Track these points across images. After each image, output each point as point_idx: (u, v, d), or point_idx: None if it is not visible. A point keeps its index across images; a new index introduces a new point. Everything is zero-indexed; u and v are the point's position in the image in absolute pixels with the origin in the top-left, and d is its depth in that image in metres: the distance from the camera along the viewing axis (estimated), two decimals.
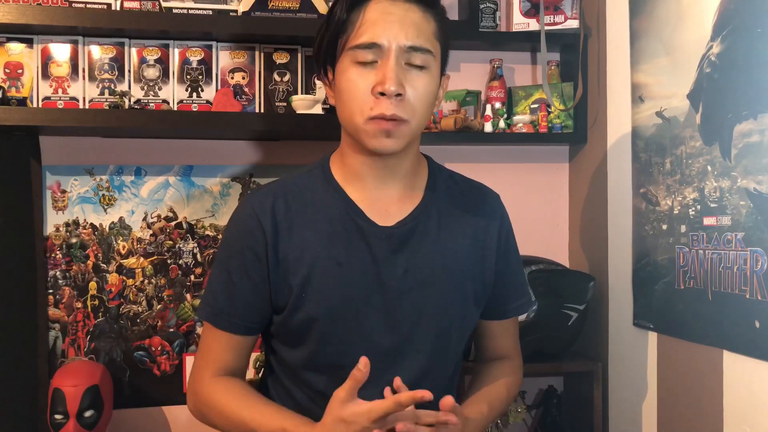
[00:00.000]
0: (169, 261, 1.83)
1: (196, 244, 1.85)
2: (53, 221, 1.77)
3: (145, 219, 1.82)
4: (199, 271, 1.85)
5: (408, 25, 1.04)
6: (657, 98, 1.55)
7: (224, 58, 1.80)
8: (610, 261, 1.77)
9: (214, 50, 1.79)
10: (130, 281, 1.81)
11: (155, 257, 1.83)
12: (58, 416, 1.54)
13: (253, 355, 1.84)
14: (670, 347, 1.52)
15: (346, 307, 1.09)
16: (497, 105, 1.89)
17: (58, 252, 1.77)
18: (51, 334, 1.77)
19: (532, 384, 1.97)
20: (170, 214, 1.84)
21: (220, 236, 1.85)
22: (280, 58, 1.83)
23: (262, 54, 1.81)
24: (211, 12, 1.71)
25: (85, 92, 1.73)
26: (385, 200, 1.13)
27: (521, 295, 1.27)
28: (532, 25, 1.86)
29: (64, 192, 1.78)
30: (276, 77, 1.82)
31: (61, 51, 1.71)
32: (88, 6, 1.65)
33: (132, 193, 1.82)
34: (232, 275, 1.12)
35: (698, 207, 1.41)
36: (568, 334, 1.74)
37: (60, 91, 1.71)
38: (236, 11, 1.72)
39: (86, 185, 1.80)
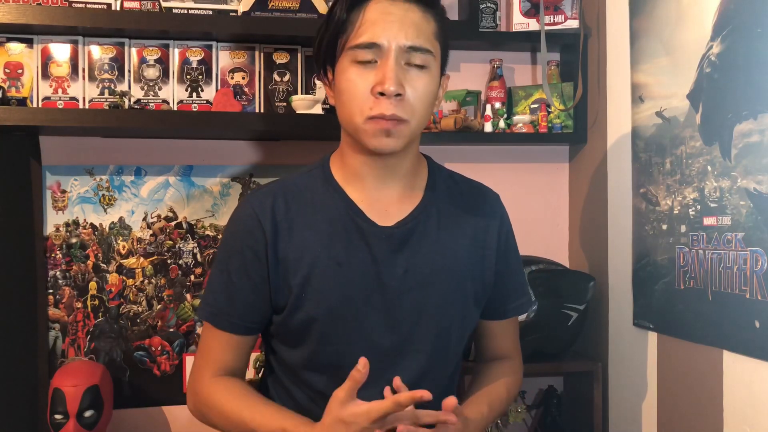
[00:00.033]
0: (169, 261, 1.83)
1: (196, 244, 1.85)
2: (53, 221, 1.78)
3: (145, 219, 1.82)
4: (199, 271, 1.85)
5: (408, 25, 1.04)
6: (657, 98, 1.55)
7: (224, 58, 1.80)
8: (610, 261, 1.77)
9: (214, 50, 1.79)
10: (130, 281, 1.81)
11: (155, 257, 1.83)
12: (58, 416, 1.54)
13: (253, 355, 1.84)
14: (670, 347, 1.52)
15: (346, 307, 1.09)
16: (497, 105, 1.89)
17: (58, 252, 1.77)
18: (51, 334, 1.77)
19: (532, 384, 1.97)
20: (170, 214, 1.84)
21: (220, 236, 1.85)
22: (280, 58, 1.83)
23: (262, 54, 1.81)
24: (211, 12, 1.71)
25: (85, 92, 1.73)
26: (385, 200, 1.13)
27: (521, 294, 1.27)
28: (532, 25, 1.86)
29: (64, 192, 1.78)
30: (276, 77, 1.82)
31: (61, 51, 1.71)
32: (88, 6, 1.65)
33: (132, 193, 1.82)
34: (231, 275, 1.12)
35: (698, 207, 1.41)
36: (568, 334, 1.74)
37: (60, 91, 1.71)
38: (236, 11, 1.72)
39: (86, 185, 1.80)
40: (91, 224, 1.79)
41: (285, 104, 1.81)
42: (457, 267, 1.14)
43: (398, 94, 1.03)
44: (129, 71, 1.75)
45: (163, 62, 1.76)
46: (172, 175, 1.84)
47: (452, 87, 1.92)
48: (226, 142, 1.87)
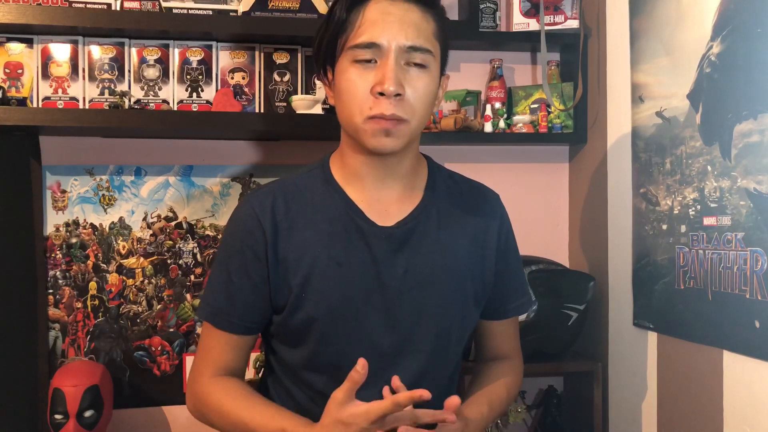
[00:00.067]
0: (169, 261, 1.83)
1: (196, 244, 1.85)
2: (53, 221, 1.78)
3: (145, 219, 1.82)
4: (199, 271, 1.85)
5: (407, 25, 1.04)
6: (657, 98, 1.55)
7: (224, 58, 1.80)
8: (610, 261, 1.77)
9: (214, 50, 1.79)
10: (130, 281, 1.81)
11: (155, 257, 1.83)
12: (58, 416, 1.54)
13: (253, 355, 1.84)
14: (670, 347, 1.52)
15: (345, 307, 1.09)
16: (497, 105, 1.89)
17: (58, 252, 1.77)
18: (51, 334, 1.77)
19: (532, 384, 1.97)
20: (170, 214, 1.84)
21: (220, 236, 1.85)
22: (280, 58, 1.83)
23: (262, 54, 1.81)
24: (211, 12, 1.71)
25: (85, 92, 1.73)
26: (384, 200, 1.13)
27: (521, 294, 1.27)
28: (532, 25, 1.86)
29: (64, 192, 1.78)
30: (276, 77, 1.82)
31: (61, 51, 1.71)
32: (88, 6, 1.65)
33: (132, 193, 1.82)
34: (231, 275, 1.12)
35: (698, 207, 1.41)
36: (568, 334, 1.74)
37: (60, 91, 1.71)
38: (236, 11, 1.72)
39: (86, 185, 1.80)
40: (91, 224, 1.79)
41: (285, 104, 1.81)
42: (457, 267, 1.14)
43: (398, 94, 1.03)
44: (129, 71, 1.75)
45: (163, 62, 1.76)
46: (172, 175, 1.84)
47: (452, 87, 1.92)
48: (226, 142, 1.87)
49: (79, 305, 1.78)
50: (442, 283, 1.13)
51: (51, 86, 1.71)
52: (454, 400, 0.99)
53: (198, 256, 1.85)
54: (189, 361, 1.83)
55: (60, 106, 1.70)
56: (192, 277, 1.84)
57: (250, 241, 1.10)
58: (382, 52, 1.03)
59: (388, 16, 1.04)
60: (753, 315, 1.25)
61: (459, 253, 1.15)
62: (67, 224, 1.78)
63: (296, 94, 1.81)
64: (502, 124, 1.87)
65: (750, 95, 1.26)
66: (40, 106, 1.70)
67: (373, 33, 1.03)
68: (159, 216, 1.83)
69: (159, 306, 1.83)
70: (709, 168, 1.37)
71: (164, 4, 1.70)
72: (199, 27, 1.69)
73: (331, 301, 1.09)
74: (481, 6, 1.86)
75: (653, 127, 1.56)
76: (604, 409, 1.78)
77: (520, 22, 1.87)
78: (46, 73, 1.71)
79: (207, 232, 1.85)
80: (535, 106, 1.91)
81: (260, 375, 1.33)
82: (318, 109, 1.74)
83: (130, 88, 1.75)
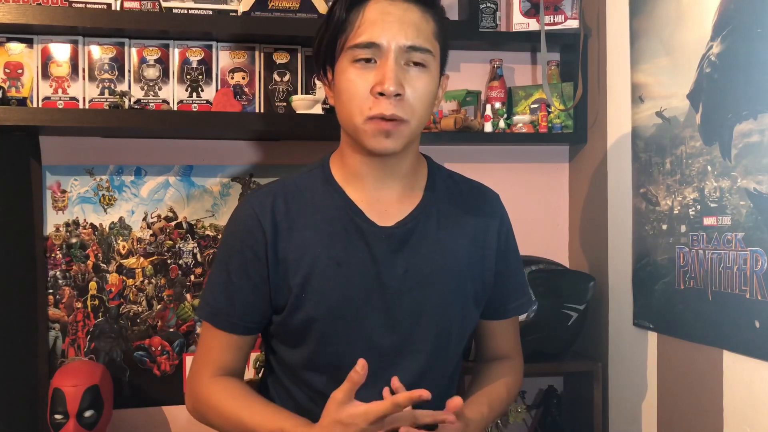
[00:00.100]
0: (169, 261, 1.83)
1: (196, 244, 1.85)
2: (53, 221, 1.78)
3: (145, 219, 1.82)
4: (199, 271, 1.85)
5: (407, 25, 1.04)
6: (657, 98, 1.55)
7: (224, 58, 1.80)
8: (610, 261, 1.77)
9: (214, 50, 1.79)
10: (130, 281, 1.81)
11: (155, 257, 1.83)
12: (58, 416, 1.54)
13: (253, 355, 1.84)
14: (670, 347, 1.52)
15: (345, 308, 1.09)
16: (497, 105, 1.89)
17: (58, 252, 1.77)
18: (51, 334, 1.77)
19: (532, 384, 1.97)
20: (170, 214, 1.84)
21: (220, 236, 1.85)
22: (280, 58, 1.83)
23: (262, 54, 1.81)
24: (211, 12, 1.71)
25: (85, 92, 1.73)
26: (384, 200, 1.13)
27: (521, 294, 1.27)
28: (532, 25, 1.86)
29: (64, 192, 1.78)
30: (276, 77, 1.82)
31: (61, 51, 1.71)
32: (88, 6, 1.65)
33: (132, 193, 1.82)
34: (231, 275, 1.12)
35: (698, 207, 1.40)
36: (568, 334, 1.74)
37: (60, 91, 1.71)
38: (236, 11, 1.72)
39: (86, 185, 1.80)
40: (91, 224, 1.80)
41: (285, 104, 1.81)
42: (457, 267, 1.14)
43: (398, 94, 1.03)
44: (129, 71, 1.75)
45: (163, 62, 1.76)
46: (172, 175, 1.84)
47: (452, 87, 1.92)
48: (226, 142, 1.87)
49: (79, 305, 1.78)
50: (442, 283, 1.13)
51: (51, 86, 1.71)
52: (456, 402, 0.99)
53: (198, 256, 1.85)
54: (189, 361, 1.83)
55: (60, 106, 1.70)
56: (192, 277, 1.84)
57: (250, 241, 1.10)
58: (381, 52, 1.03)
59: (388, 16, 1.04)
60: (753, 315, 1.25)
61: (459, 253, 1.15)
62: (67, 224, 1.78)
63: (296, 94, 1.81)
64: (502, 124, 1.87)
65: (750, 95, 1.26)
66: (40, 106, 1.70)
67: (372, 33, 1.03)
68: (159, 216, 1.83)
69: (159, 306, 1.83)
70: (709, 168, 1.37)
71: (164, 4, 1.70)
72: (199, 27, 1.69)
73: (331, 301, 1.09)
74: (481, 6, 1.86)
75: (653, 127, 1.56)
76: (604, 409, 1.78)
77: (520, 22, 1.87)
78: (46, 73, 1.71)
79: (207, 232, 1.85)
80: (535, 106, 1.91)
81: (260, 375, 1.33)
82: (318, 109, 1.74)
83: (130, 88, 1.75)
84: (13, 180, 1.74)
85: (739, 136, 1.29)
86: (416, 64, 1.05)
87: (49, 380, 1.69)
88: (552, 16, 1.85)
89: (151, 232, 1.82)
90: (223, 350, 1.14)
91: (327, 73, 1.12)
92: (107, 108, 1.68)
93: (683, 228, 1.45)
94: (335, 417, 0.96)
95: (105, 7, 1.66)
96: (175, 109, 1.76)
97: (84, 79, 1.73)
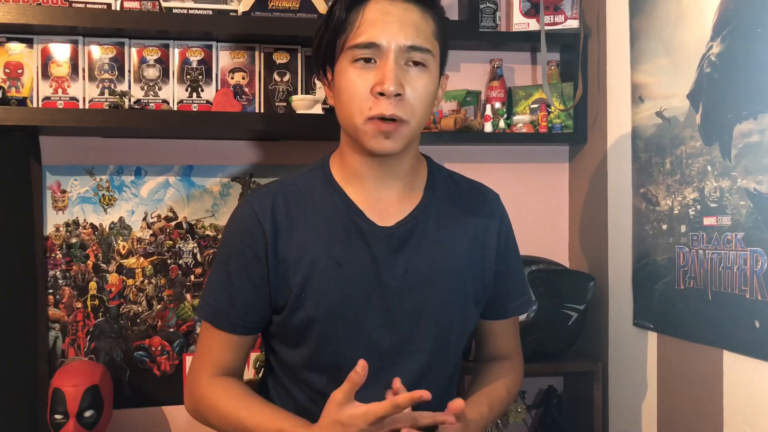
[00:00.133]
0: (169, 261, 1.83)
1: (196, 244, 1.85)
2: (53, 221, 1.78)
3: (145, 219, 1.82)
4: (199, 271, 1.85)
5: (407, 25, 1.04)
6: (657, 98, 1.55)
7: (224, 58, 1.80)
8: (610, 261, 1.77)
9: (214, 50, 1.79)
10: (130, 281, 1.81)
11: (155, 257, 1.83)
12: (58, 416, 1.54)
13: (253, 355, 1.84)
14: (670, 347, 1.52)
15: (345, 308, 1.09)
16: (497, 105, 1.89)
17: (58, 252, 1.77)
18: (51, 334, 1.77)
19: (532, 384, 1.97)
20: (170, 214, 1.84)
21: (220, 236, 1.85)
22: (280, 58, 1.83)
23: (262, 54, 1.81)
24: (211, 12, 1.71)
25: (85, 92, 1.73)
26: (384, 200, 1.13)
27: (521, 294, 1.27)
28: (532, 25, 1.86)
29: (64, 192, 1.78)
30: (276, 77, 1.82)
31: (61, 51, 1.71)
32: (88, 6, 1.65)
33: (132, 193, 1.82)
34: (231, 275, 1.12)
35: (698, 207, 1.40)
36: (568, 334, 1.74)
37: (60, 91, 1.71)
38: (236, 11, 1.72)
39: (86, 185, 1.80)
40: (91, 224, 1.80)
41: (285, 104, 1.81)
42: (457, 267, 1.14)
43: (398, 94, 1.03)
44: (129, 71, 1.75)
45: (163, 62, 1.76)
46: (172, 175, 1.84)
47: (452, 87, 1.92)
48: (226, 142, 1.87)
49: (79, 305, 1.78)
50: (442, 283, 1.13)
51: (51, 86, 1.71)
52: (457, 404, 0.99)
53: (198, 256, 1.85)
54: (189, 361, 1.83)
55: (60, 106, 1.70)
56: (192, 277, 1.84)
57: (250, 241, 1.10)
58: (381, 52, 1.03)
59: (388, 16, 1.04)
60: (753, 315, 1.25)
61: (459, 253, 1.15)
62: (67, 224, 1.78)
63: (296, 94, 1.81)
64: (502, 124, 1.87)
65: (750, 95, 1.26)
66: (40, 106, 1.70)
67: (372, 33, 1.03)
68: (159, 216, 1.83)
69: (159, 306, 1.83)
70: (709, 168, 1.37)
71: (164, 4, 1.70)
72: (199, 27, 1.69)
73: (331, 301, 1.09)
74: (481, 6, 1.86)
75: (653, 127, 1.56)
76: (604, 409, 1.78)
77: (520, 22, 1.87)
78: (46, 73, 1.71)
79: (207, 232, 1.85)
80: (535, 106, 1.91)
81: (260, 375, 1.33)
82: (318, 109, 1.74)
83: (130, 88, 1.75)
84: (13, 180, 1.74)
85: (739, 136, 1.29)
86: (416, 64, 1.05)
87: (49, 380, 1.69)
88: (552, 16, 1.85)
89: (151, 232, 1.82)
90: (222, 350, 1.14)
91: (327, 73, 1.12)
92: (107, 108, 1.68)
93: (683, 228, 1.45)
94: (335, 417, 0.96)
95: (105, 7, 1.66)
96: (175, 109, 1.76)
97: (84, 79, 1.73)
